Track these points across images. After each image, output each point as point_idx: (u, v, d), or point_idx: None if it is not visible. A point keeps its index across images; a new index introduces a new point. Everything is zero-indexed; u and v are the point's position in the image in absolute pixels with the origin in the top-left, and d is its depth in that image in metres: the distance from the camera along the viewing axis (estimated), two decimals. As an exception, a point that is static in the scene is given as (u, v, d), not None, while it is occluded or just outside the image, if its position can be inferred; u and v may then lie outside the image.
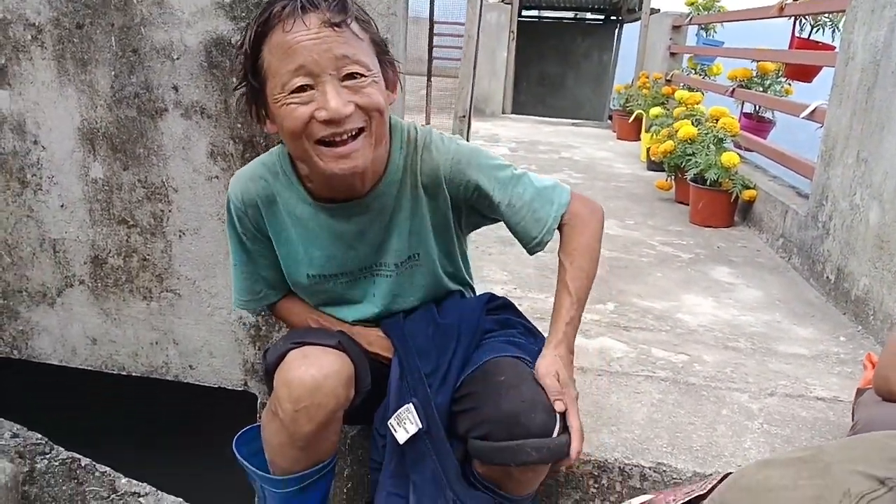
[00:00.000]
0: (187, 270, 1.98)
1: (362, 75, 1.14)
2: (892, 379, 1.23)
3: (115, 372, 2.11)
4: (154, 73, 1.85)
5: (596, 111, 13.62)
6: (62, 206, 1.99)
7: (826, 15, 3.60)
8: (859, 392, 1.58)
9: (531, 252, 1.39)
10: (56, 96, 1.91)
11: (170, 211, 1.94)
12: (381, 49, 1.21)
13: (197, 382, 2.07)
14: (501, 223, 1.40)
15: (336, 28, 1.11)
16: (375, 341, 1.42)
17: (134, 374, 2.10)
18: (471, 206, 1.37)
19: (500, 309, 1.48)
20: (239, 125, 1.85)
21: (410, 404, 1.29)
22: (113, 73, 1.86)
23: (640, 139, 6.78)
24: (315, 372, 1.25)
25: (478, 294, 1.53)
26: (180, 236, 1.96)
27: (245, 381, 2.06)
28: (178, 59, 1.83)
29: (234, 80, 1.31)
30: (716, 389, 1.95)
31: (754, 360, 2.15)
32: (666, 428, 1.74)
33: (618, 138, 7.17)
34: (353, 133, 1.15)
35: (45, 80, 1.90)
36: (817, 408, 1.90)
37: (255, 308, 1.52)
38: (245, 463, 1.40)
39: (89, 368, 2.12)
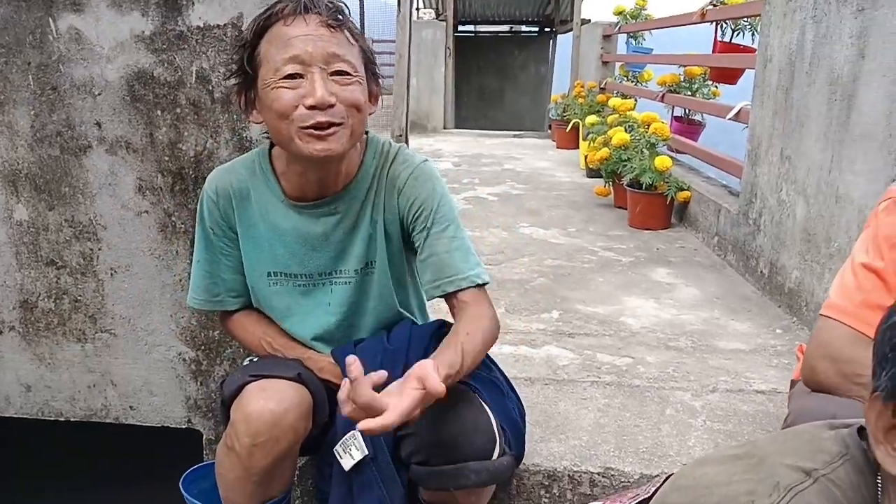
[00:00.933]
0: (121, 309, 1.93)
1: (348, 74, 1.24)
2: (817, 369, 1.28)
3: (52, 418, 2.04)
4: (76, 110, 1.81)
5: (536, 122, 13.79)
6: (-14, 251, 1.92)
7: (745, 19, 3.74)
8: (793, 383, 1.63)
9: (428, 294, 1.39)
10: (-27, 139, 1.85)
11: (99, 249, 1.90)
12: (368, 59, 1.31)
13: (139, 423, 2.02)
14: None
15: (331, 29, 1.23)
16: (326, 367, 1.42)
17: (72, 419, 2.03)
18: (409, 227, 1.39)
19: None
20: (166, 158, 1.82)
21: (356, 430, 1.28)
22: (32, 112, 1.82)
23: (578, 147, 6.91)
24: (274, 406, 1.25)
25: (429, 321, 1.54)
26: (112, 275, 1.91)
27: (188, 419, 2.01)
28: (99, 94, 1.80)
29: (225, 77, 1.45)
30: (659, 390, 1.99)
31: (695, 358, 2.20)
32: (612, 432, 1.77)
33: (557, 147, 7.29)
34: (335, 124, 1.23)
35: (-40, 123, 1.84)
36: (757, 401, 1.95)
37: (209, 310, 1.52)
38: (194, 501, 1.37)
39: (25, 416, 2.05)
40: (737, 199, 3.36)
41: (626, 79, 6.36)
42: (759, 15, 3.39)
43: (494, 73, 14.47)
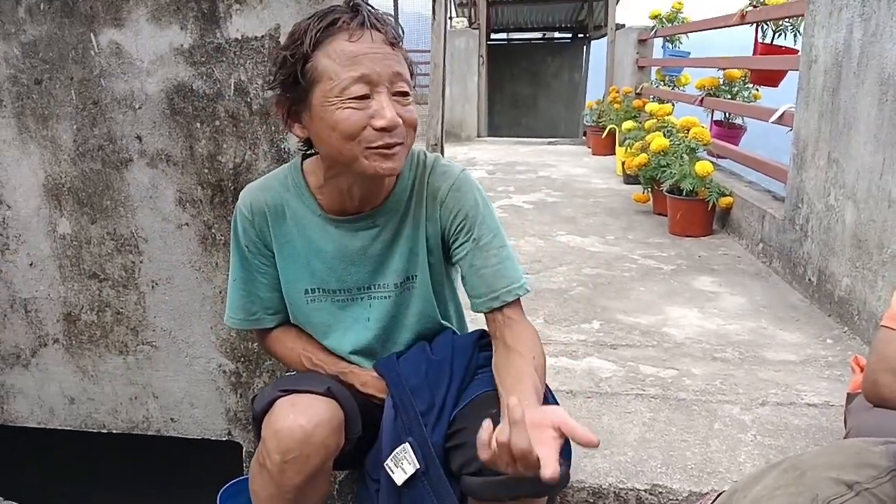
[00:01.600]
0: (162, 322, 1.94)
1: (408, 94, 1.23)
2: (880, 383, 1.21)
3: (94, 430, 2.06)
4: (116, 123, 1.83)
5: (570, 129, 13.73)
6: (31, 264, 1.95)
7: (787, 19, 3.65)
8: (850, 397, 1.57)
9: (476, 307, 1.36)
10: (19, 154, 1.88)
11: (141, 262, 1.91)
12: (412, 73, 1.28)
13: (179, 435, 2.02)
14: None
15: (393, 48, 1.20)
16: (369, 381, 1.39)
17: (114, 431, 2.05)
18: (451, 239, 1.37)
19: (491, 345, 1.45)
20: (206, 170, 1.83)
21: (407, 444, 1.26)
22: (75, 126, 1.84)
23: (614, 153, 6.83)
24: (304, 422, 1.22)
25: (470, 331, 1.51)
26: (153, 287, 1.92)
27: (229, 431, 2.01)
28: (139, 108, 1.81)
29: (268, 84, 1.36)
30: (707, 403, 1.93)
31: (743, 370, 2.13)
32: (659, 447, 1.72)
33: (593, 154, 7.22)
34: (398, 144, 1.22)
35: (5, 139, 1.87)
36: (810, 414, 1.88)
37: (247, 328, 1.51)
38: (230, 519, 1.36)
39: (69, 429, 2.07)
40: (782, 204, 3.27)
41: (662, 83, 6.27)
42: (802, 15, 3.31)
43: (528, 81, 14.46)
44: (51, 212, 1.91)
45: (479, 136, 9.10)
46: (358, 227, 1.35)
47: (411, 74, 1.27)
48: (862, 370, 1.55)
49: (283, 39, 1.74)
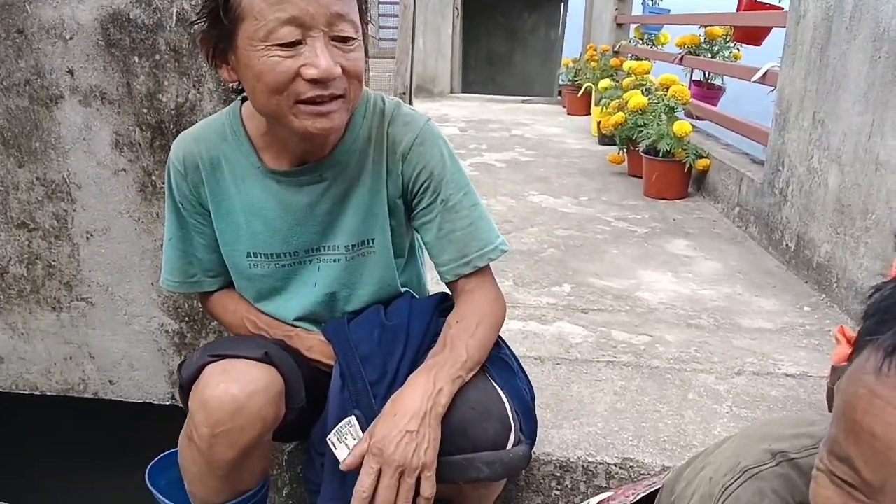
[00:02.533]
0: (99, 276, 1.79)
1: (352, 38, 1.04)
2: None
3: (27, 392, 1.91)
4: (45, 55, 1.64)
5: (546, 88, 13.50)
6: (-50, 210, 1.77)
7: (773, -25, 3.52)
8: (835, 370, 1.48)
9: (444, 275, 1.24)
10: (-67, 87, 1.68)
11: (74, 210, 1.74)
12: (362, 11, 1.09)
13: (119, 399, 1.88)
14: None
15: None
16: (315, 346, 1.26)
17: (48, 393, 1.90)
18: (414, 199, 1.22)
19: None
20: (145, 110, 1.65)
21: (352, 417, 1.13)
22: (-4, 57, 1.65)
23: (590, 113, 6.69)
24: (237, 390, 1.08)
25: (430, 294, 1.38)
26: (88, 238, 1.76)
27: (172, 395, 1.88)
28: (71, 38, 1.62)
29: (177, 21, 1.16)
30: (680, 372, 1.83)
31: (718, 338, 2.04)
32: (631, 418, 1.62)
33: (568, 114, 7.07)
34: (336, 96, 1.04)
35: (-82, 69, 1.67)
36: (787, 385, 1.80)
37: (186, 292, 1.35)
38: (159, 496, 1.23)
39: (-2, 390, 1.92)
40: (761, 167, 3.17)
41: (641, 41, 6.11)
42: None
43: (503, 37, 14.13)
44: (-28, 153, 1.72)
45: (451, 93, 8.87)
46: (302, 182, 1.19)
47: (363, 15, 1.09)
48: (848, 341, 1.46)
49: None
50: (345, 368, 1.21)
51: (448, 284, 1.24)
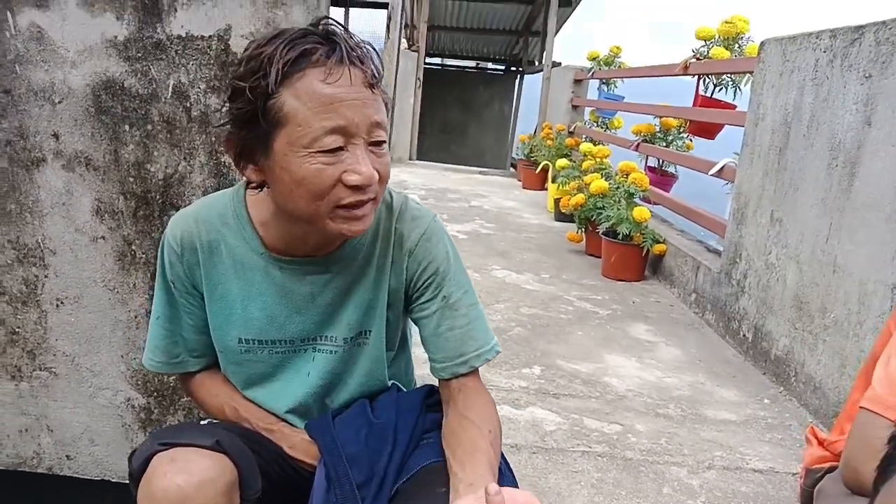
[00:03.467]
0: (65, 345, 1.71)
1: (384, 143, 1.04)
2: (861, 472, 1.15)
3: (-29, 465, 1.78)
4: (31, 117, 1.60)
5: (497, 160, 13.84)
6: None
7: (728, 74, 3.72)
8: (809, 472, 1.51)
9: (437, 372, 1.21)
10: None
11: (45, 276, 1.67)
12: (387, 113, 1.09)
13: (76, 475, 1.78)
14: None
15: (373, 90, 1.02)
16: (298, 444, 1.22)
17: (-4, 466, 1.78)
18: (415, 293, 1.21)
19: (440, 404, 1.31)
20: (131, 179, 1.62)
21: (339, 526, 1.09)
22: (-21, 116, 1.60)
23: (545, 188, 6.86)
24: (182, 481, 1.02)
25: (416, 388, 1.36)
26: (58, 306, 1.69)
27: (133, 472, 1.78)
28: (60, 102, 1.59)
29: (222, 110, 1.10)
30: (654, 464, 1.85)
31: (686, 429, 2.08)
32: (609, 512, 1.62)
33: (523, 187, 7.24)
34: (370, 200, 1.05)
35: None
36: (756, 481, 1.83)
37: (168, 373, 1.29)
38: None
39: (-61, 461, 1.79)
40: (716, 256, 3.30)
41: (595, 124, 6.35)
42: (748, 72, 3.38)
43: (459, 108, 14.52)
44: (-59, 211, 1.65)
45: (410, 159, 8.99)
46: (307, 271, 1.17)
47: (388, 110, 1.09)
48: (820, 443, 1.50)
49: (233, 43, 1.58)
50: (331, 470, 1.17)
51: (441, 381, 1.23)
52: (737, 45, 3.71)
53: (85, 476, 1.78)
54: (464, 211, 5.49)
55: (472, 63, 15.28)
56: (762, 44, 2.84)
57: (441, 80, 14.03)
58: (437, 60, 14.83)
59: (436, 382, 1.30)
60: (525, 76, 13.68)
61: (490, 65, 15.19)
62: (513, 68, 14.40)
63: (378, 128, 1.02)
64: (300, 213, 1.06)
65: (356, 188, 1.00)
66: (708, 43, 3.87)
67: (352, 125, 0.99)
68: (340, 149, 1.00)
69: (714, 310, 3.04)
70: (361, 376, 1.25)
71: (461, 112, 14.49)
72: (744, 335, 2.74)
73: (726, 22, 3.69)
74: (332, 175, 1.00)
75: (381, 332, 1.23)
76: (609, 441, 1.94)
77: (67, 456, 1.78)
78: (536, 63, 12.80)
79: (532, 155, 7.17)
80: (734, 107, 3.80)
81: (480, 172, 8.59)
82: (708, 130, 3.95)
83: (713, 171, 3.30)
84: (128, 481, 1.75)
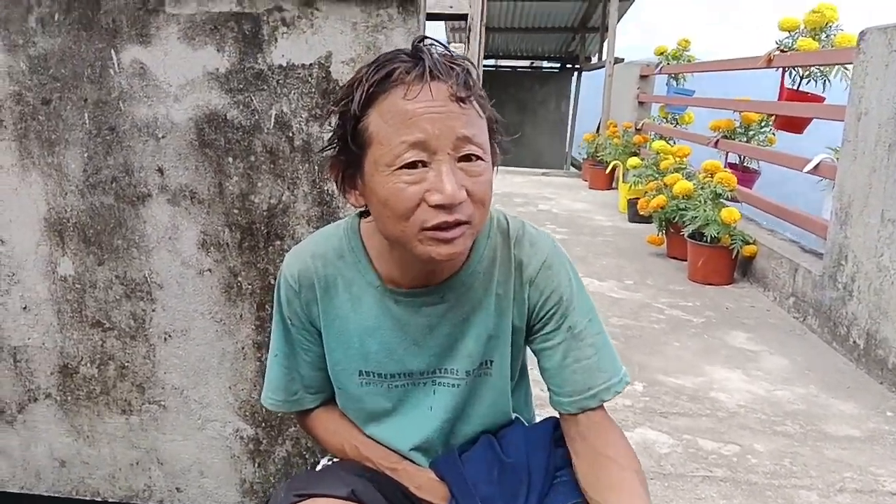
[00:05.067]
0: (174, 379, 1.71)
1: (479, 158, 0.98)
2: None
3: (87, 498, 1.80)
4: (135, 153, 1.60)
5: (555, 159, 13.67)
6: (24, 307, 1.70)
7: (817, 66, 3.54)
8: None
9: (563, 406, 1.14)
10: (17, 182, 1.64)
11: (153, 310, 1.68)
12: (494, 130, 1.04)
13: (186, 507, 1.78)
14: None
15: (461, 104, 0.96)
16: (425, 485, 1.17)
17: (110, 500, 1.80)
18: (537, 324, 1.15)
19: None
20: (235, 210, 1.61)
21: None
22: (86, 154, 1.61)
23: (612, 188, 6.72)
24: None
25: (539, 420, 1.29)
26: (165, 339, 1.69)
27: (243, 503, 1.77)
28: (163, 137, 1.59)
29: (320, 142, 1.09)
30: (781, 489, 1.74)
31: (808, 447, 1.96)
32: (742, 545, 1.53)
33: (590, 188, 7.10)
34: (460, 222, 0.98)
35: (3, 164, 1.63)
36: (894, 505, 1.71)
37: (287, 411, 1.27)
38: None
39: (57, 495, 1.81)
40: (814, 257, 3.14)
41: (665, 120, 6.18)
42: (842, 64, 3.21)
43: (514, 108, 14.39)
44: (51, 249, 1.67)
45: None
46: (423, 303, 1.13)
47: (493, 134, 1.03)
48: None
49: (334, 70, 1.55)
50: None
51: (564, 415, 1.16)
52: (824, 35, 3.53)
53: (196, 509, 1.78)
54: (532, 215, 5.40)
55: (526, 63, 15.13)
56: (862, 33, 2.68)
57: (496, 81, 13.96)
58: (491, 62, 14.74)
59: (555, 413, 1.24)
60: (582, 73, 13.47)
61: (545, 63, 15.01)
62: (568, 66, 14.21)
63: (467, 142, 0.96)
64: (391, 237, 1.02)
65: (441, 208, 0.95)
66: (792, 34, 3.69)
67: (432, 139, 0.94)
68: (423, 165, 0.95)
69: (817, 315, 2.88)
70: (485, 408, 1.20)
71: (517, 113, 14.36)
72: (854, 342, 2.58)
73: (813, 11, 3.51)
74: (415, 194, 0.95)
75: (504, 364, 1.17)
76: (729, 464, 1.84)
77: (178, 488, 1.78)
78: (594, 59, 12.60)
79: (598, 154, 7.02)
80: (823, 99, 3.62)
81: (543, 174, 8.47)
82: (796, 124, 3.77)
83: (808, 167, 3.14)
84: (239, 514, 1.74)
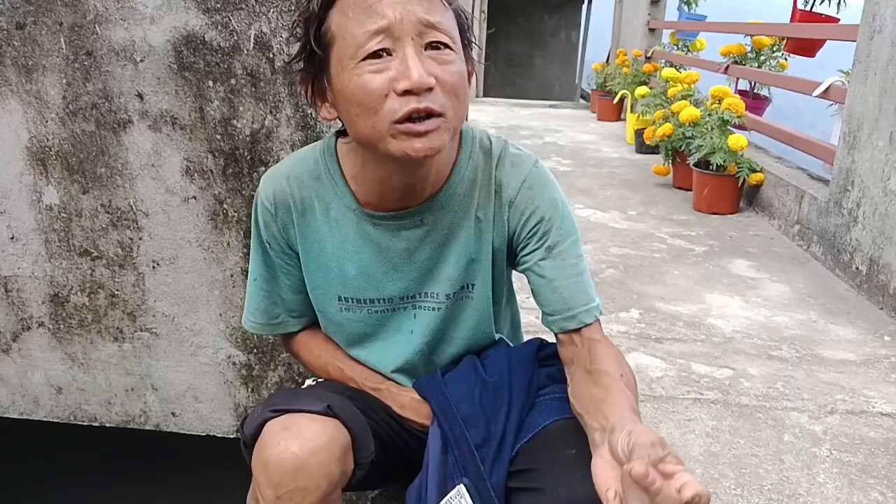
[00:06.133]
0: (164, 306, 1.71)
1: (447, 47, 0.94)
2: None
3: (85, 423, 1.84)
4: (114, 78, 1.57)
5: (566, 91, 13.39)
6: (12, 238, 1.70)
7: (831, -15, 3.41)
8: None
9: (549, 324, 1.12)
10: (-3, 110, 1.62)
11: (140, 239, 1.67)
12: (463, 28, 1.00)
13: (181, 431, 1.81)
14: None
15: None
16: (409, 404, 1.17)
17: (108, 424, 1.83)
18: (519, 244, 1.13)
19: (552, 358, 1.23)
20: (218, 136, 1.58)
21: (461, 486, 1.05)
22: (64, 80, 1.58)
23: (622, 119, 6.59)
24: (297, 448, 1.00)
25: (524, 341, 1.29)
26: (154, 267, 1.69)
27: (237, 427, 1.79)
28: (141, 61, 1.55)
29: (285, 56, 1.05)
30: (772, 410, 1.74)
31: (803, 371, 1.95)
32: (729, 463, 1.54)
33: (598, 119, 6.98)
34: (434, 114, 0.94)
35: (-19, 92, 1.60)
36: (885, 426, 1.71)
37: (269, 334, 1.28)
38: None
39: (56, 420, 1.85)
40: (821, 184, 3.08)
41: (676, 48, 6.00)
42: (855, -20, 3.07)
43: (523, 39, 14.03)
44: (35, 179, 1.65)
45: (476, 97, 8.79)
46: (402, 226, 1.11)
47: (463, 28, 1.00)
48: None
49: (313, -15, 1.49)
50: (447, 431, 1.12)
51: (560, 336, 1.15)
52: (841, -50, 3.38)
53: (191, 432, 1.81)
54: (538, 148, 5.32)
55: (536, -9, 14.67)
56: (877, -54, 2.55)
57: (503, 9, 13.53)
58: (500, -9, 14.31)
59: (545, 335, 1.23)
60: (593, 1, 13.07)
61: (555, -9, 14.55)
62: (579, -6, 13.77)
63: (433, 28, 0.93)
64: (363, 139, 0.99)
65: (408, 94, 0.91)
66: (807, -50, 3.53)
67: (395, 25, 0.91)
68: (388, 54, 0.92)
69: (822, 242, 2.84)
70: (467, 331, 1.19)
71: (525, 43, 14.00)
72: (857, 268, 2.55)
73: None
74: (381, 83, 0.92)
75: (486, 286, 1.16)
76: (721, 387, 1.84)
77: (173, 413, 1.81)
78: (605, -14, 12.19)
79: (607, 85, 6.86)
80: (838, 20, 3.48)
81: (551, 106, 8.32)
82: (808, 48, 3.65)
83: (818, 91, 3.04)
84: (232, 436, 1.78)
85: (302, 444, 1.00)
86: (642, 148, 4.93)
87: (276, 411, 1.06)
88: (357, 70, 0.92)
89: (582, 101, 10.64)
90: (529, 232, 1.11)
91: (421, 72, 0.91)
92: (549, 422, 1.10)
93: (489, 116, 7.12)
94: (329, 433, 1.03)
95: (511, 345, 1.28)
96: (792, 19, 3.65)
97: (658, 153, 4.19)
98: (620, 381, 1.02)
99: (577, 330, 1.09)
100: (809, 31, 3.52)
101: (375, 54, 0.92)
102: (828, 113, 3.30)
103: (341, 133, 1.11)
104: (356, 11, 0.92)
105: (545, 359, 1.24)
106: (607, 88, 6.78)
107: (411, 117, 0.93)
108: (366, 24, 0.91)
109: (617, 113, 6.68)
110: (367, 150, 1.02)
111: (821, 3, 3.50)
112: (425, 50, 0.93)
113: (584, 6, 13.54)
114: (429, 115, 0.94)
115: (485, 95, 9.37)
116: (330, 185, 1.11)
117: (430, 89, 0.92)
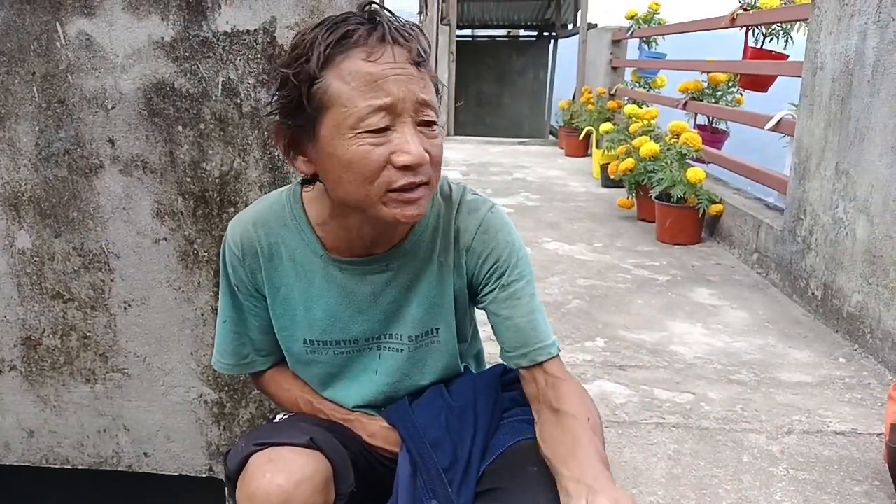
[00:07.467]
0: (136, 346, 1.74)
1: (434, 124, 1.01)
2: None
3: (57, 466, 1.84)
4: (86, 125, 1.62)
5: (535, 128, 13.66)
6: (-16, 282, 1.72)
7: (779, 24, 3.57)
8: (893, 428, 1.46)
9: (507, 360, 1.17)
10: (-31, 157, 1.65)
11: (112, 280, 1.70)
12: (438, 95, 1.06)
13: (154, 471, 1.82)
14: None
15: (419, 68, 0.99)
16: (378, 432, 1.21)
17: (80, 466, 1.84)
18: (479, 285, 1.18)
19: (515, 382, 1.29)
20: (188, 179, 1.63)
21: (431, 512, 1.09)
22: (37, 127, 1.63)
23: (588, 155, 6.75)
24: (283, 480, 1.04)
25: (488, 366, 1.34)
26: (125, 308, 1.72)
27: (210, 466, 1.81)
28: (112, 108, 1.61)
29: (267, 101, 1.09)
30: (731, 432, 1.81)
31: (761, 394, 2.02)
32: (690, 485, 1.59)
33: (566, 155, 7.13)
34: (423, 184, 1.01)
35: (-45, 140, 1.64)
36: (839, 444, 1.77)
37: (238, 373, 1.30)
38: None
39: (27, 464, 1.85)
40: (777, 213, 3.19)
41: (638, 85, 6.19)
42: (797, 20, 3.24)
43: (492, 79, 14.33)
44: (8, 224, 1.69)
45: (448, 135, 8.94)
46: (368, 271, 1.15)
47: (437, 93, 1.05)
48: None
49: (279, 35, 1.57)
50: (415, 455, 1.16)
51: (523, 373, 1.19)
52: (785, -8, 3.56)
53: (163, 472, 1.82)
54: (507, 184, 5.43)
55: (503, 32, 15.03)
56: (816, -12, 2.70)
57: (473, 51, 13.87)
58: (468, 32, 14.64)
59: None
60: (559, 41, 13.42)
61: (522, 32, 14.92)
62: (545, 34, 14.14)
63: (426, 107, 0.99)
64: (352, 200, 1.03)
65: (407, 169, 0.97)
66: (755, -8, 3.71)
67: (398, 102, 0.96)
68: (388, 129, 0.97)
69: (779, 269, 2.94)
70: (436, 373, 1.24)
71: (495, 83, 14.31)
72: (812, 293, 2.65)
73: (774, -32, 3.53)
74: (381, 155, 0.97)
75: (450, 328, 1.21)
76: (682, 411, 1.90)
77: (145, 453, 1.82)
78: (570, 26, 12.54)
79: (573, 121, 7.04)
80: (786, 57, 3.65)
81: (520, 143, 8.48)
82: (760, 83, 3.81)
83: (770, 125, 3.18)
84: (205, 475, 1.79)
85: (287, 476, 1.03)
86: (608, 182, 5.06)
87: (260, 444, 1.09)
88: (356, 140, 0.96)
89: (551, 137, 10.86)
90: (486, 273, 1.16)
91: (420, 150, 0.97)
92: (513, 442, 1.15)
93: (461, 154, 7.24)
94: (313, 465, 1.07)
95: (475, 372, 1.33)
96: (744, 56, 3.82)
97: (623, 187, 4.31)
98: (588, 426, 1.05)
99: (539, 366, 1.13)
100: (760, 68, 3.68)
101: (379, 129, 0.96)
102: (783, 144, 3.44)
103: (306, 182, 1.16)
104: (359, 82, 0.95)
105: (508, 383, 1.30)
106: (574, 125, 6.95)
107: (405, 189, 0.99)
108: (369, 97, 0.95)
109: (584, 149, 6.83)
110: (347, 208, 1.06)
111: (769, 41, 3.66)
112: (417, 126, 0.99)
113: (551, 46, 13.90)
114: (419, 185, 1.00)
115: (456, 134, 9.52)
116: (296, 230, 1.15)
117: (424, 164, 0.99)
